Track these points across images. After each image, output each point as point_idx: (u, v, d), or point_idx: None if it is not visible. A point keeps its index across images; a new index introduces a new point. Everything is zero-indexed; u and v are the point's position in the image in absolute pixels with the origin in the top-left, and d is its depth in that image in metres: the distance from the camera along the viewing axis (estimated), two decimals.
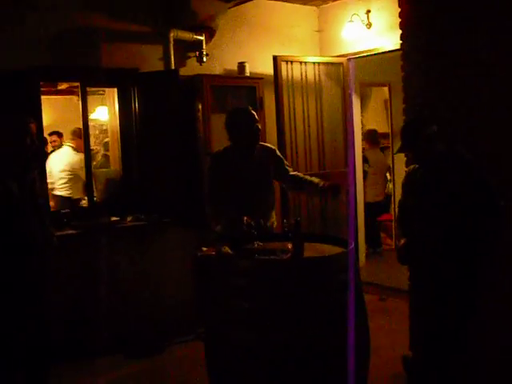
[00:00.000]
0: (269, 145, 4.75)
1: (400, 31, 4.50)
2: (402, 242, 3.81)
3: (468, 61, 4.03)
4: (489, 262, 3.62)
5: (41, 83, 5.40)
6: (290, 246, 3.47)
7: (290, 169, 4.65)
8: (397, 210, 4.12)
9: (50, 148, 7.62)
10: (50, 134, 7.66)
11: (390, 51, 6.26)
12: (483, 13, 3.97)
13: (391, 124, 8.57)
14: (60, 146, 7.67)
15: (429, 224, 3.60)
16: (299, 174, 4.69)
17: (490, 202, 3.46)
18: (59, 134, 7.80)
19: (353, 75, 7.00)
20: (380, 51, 6.50)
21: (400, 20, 4.50)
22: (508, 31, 3.87)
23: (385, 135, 9.09)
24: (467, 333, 3.59)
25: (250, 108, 4.46)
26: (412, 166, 3.90)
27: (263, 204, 4.41)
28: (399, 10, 4.50)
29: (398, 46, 4.68)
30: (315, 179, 4.46)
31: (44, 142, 6.39)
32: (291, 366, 3.05)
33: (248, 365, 3.11)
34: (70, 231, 5.13)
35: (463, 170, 3.54)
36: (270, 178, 4.51)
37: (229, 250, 3.49)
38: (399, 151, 3.86)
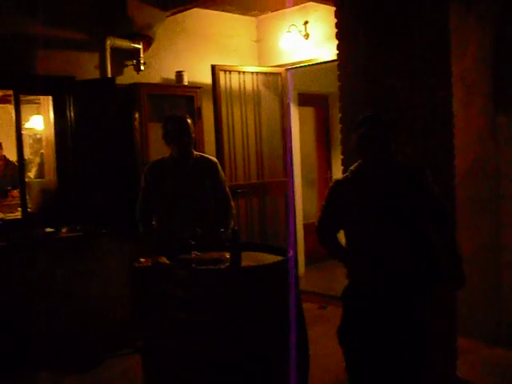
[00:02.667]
0: (212, 158, 4.67)
1: (337, 42, 4.56)
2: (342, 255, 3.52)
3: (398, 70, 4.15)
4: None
5: None
6: (227, 255, 3.44)
7: (223, 194, 4.53)
8: (317, 230, 3.66)
9: None
10: None
11: (327, 61, 6.35)
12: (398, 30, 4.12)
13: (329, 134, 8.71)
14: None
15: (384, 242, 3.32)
16: (227, 211, 4.53)
17: (443, 214, 3.37)
18: None
19: (291, 85, 7.05)
20: (318, 61, 6.59)
21: (336, 30, 4.55)
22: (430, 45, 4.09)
23: None
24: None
25: (186, 116, 4.43)
26: (340, 179, 3.55)
27: (198, 213, 4.37)
28: (336, 20, 4.56)
29: (335, 57, 4.73)
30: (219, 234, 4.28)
31: None
32: (229, 376, 3.01)
33: (185, 376, 3.06)
34: (3, 243, 4.98)
35: (415, 182, 3.35)
36: (205, 189, 4.44)
37: (166, 260, 3.45)
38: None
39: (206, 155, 4.72)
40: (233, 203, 4.63)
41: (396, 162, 3.44)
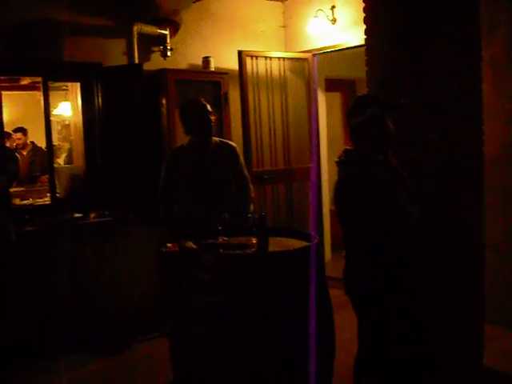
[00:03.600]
0: (231, 142, 4.71)
1: (364, 26, 4.52)
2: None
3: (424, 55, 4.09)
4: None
5: (0, 78, 5.29)
6: (254, 240, 3.46)
7: (243, 177, 4.58)
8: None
9: (14, 145, 7.49)
10: (15, 131, 7.52)
11: (354, 47, 6.29)
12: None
13: None
14: (25, 145, 7.55)
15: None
16: (246, 190, 4.59)
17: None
18: (24, 132, 7.65)
19: (317, 71, 7.02)
20: (345, 47, 6.52)
21: (364, 15, 4.51)
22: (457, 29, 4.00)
23: None
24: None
25: (202, 99, 4.43)
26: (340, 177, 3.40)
27: (222, 198, 4.39)
28: (363, 5, 4.51)
29: (362, 42, 4.69)
30: (246, 219, 4.39)
31: (5, 136, 6.30)
32: (256, 360, 3.03)
33: (213, 360, 3.09)
34: (32, 228, 5.05)
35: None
36: (227, 173, 4.46)
37: (193, 245, 3.47)
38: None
39: (225, 140, 4.73)
40: (252, 187, 4.65)
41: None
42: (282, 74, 6.77)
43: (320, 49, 6.81)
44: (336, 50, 6.70)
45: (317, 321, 3.21)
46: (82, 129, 5.77)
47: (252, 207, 4.56)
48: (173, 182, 4.38)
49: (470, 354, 4.30)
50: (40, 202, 5.77)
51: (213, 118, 4.39)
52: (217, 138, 4.54)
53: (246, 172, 4.62)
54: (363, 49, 4.54)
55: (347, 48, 6.50)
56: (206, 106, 4.34)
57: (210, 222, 3.88)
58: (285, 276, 3.13)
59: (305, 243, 3.45)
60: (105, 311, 5.36)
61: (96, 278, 5.39)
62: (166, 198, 4.43)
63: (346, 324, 4.20)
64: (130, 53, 5.76)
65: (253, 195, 4.66)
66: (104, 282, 5.43)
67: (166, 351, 3.49)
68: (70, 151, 7.32)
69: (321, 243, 3.33)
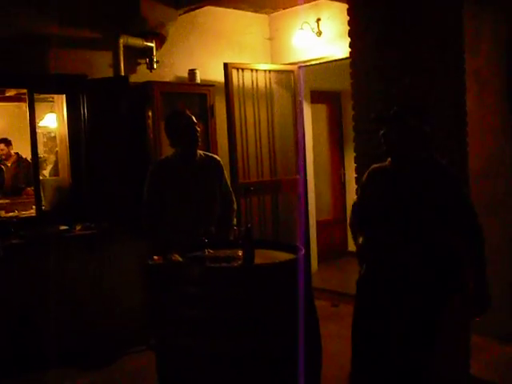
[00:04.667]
0: (215, 156, 4.72)
1: (349, 39, 4.56)
2: (361, 240, 3.48)
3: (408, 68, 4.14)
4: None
5: None
6: (240, 253, 3.46)
7: (227, 190, 4.59)
8: (350, 212, 3.72)
9: None
10: None
11: (340, 59, 6.33)
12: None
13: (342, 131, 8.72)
14: (9, 155, 7.51)
15: (400, 232, 3.26)
16: (230, 203, 4.61)
17: (470, 222, 3.23)
18: (7, 143, 7.62)
19: (303, 83, 7.05)
20: (330, 59, 6.57)
21: (349, 28, 4.55)
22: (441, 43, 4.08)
23: None
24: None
25: (187, 111, 4.43)
26: (376, 166, 3.50)
27: (209, 211, 4.39)
28: (348, 18, 4.56)
29: (347, 54, 4.73)
30: (230, 231, 4.40)
31: None
32: (242, 373, 3.03)
33: (199, 373, 3.08)
34: (17, 241, 5.02)
35: (447, 183, 3.22)
36: (213, 186, 4.46)
37: (179, 258, 3.46)
38: (388, 119, 3.31)
39: (209, 153, 4.73)
40: (235, 199, 4.68)
41: (428, 157, 3.31)
42: (268, 85, 6.80)
43: (306, 61, 6.86)
44: (321, 63, 6.74)
45: (304, 333, 3.21)
46: (67, 141, 5.75)
47: (235, 220, 4.58)
48: (157, 194, 4.36)
49: (457, 364, 4.32)
50: (25, 214, 5.73)
51: (199, 129, 4.39)
52: (201, 152, 4.53)
53: (229, 184, 4.64)
54: (348, 61, 4.58)
55: (333, 60, 6.54)
56: (191, 118, 4.34)
57: (196, 235, 3.86)
58: (271, 289, 3.13)
59: (291, 255, 3.45)
60: (91, 325, 5.32)
61: (82, 291, 5.36)
62: (151, 211, 4.39)
63: (332, 335, 4.22)
64: (116, 65, 5.76)
65: (235, 208, 4.67)
66: (90, 295, 5.39)
67: (153, 364, 3.48)
68: (55, 163, 7.30)
69: (307, 254, 3.33)
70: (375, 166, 3.52)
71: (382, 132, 3.29)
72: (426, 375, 3.32)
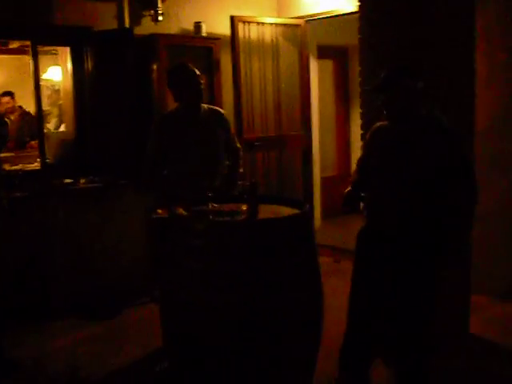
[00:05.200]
0: (217, 108, 4.69)
1: None
2: (348, 189, 3.57)
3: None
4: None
5: None
6: (244, 207, 3.46)
7: (234, 144, 4.60)
8: (353, 169, 3.78)
9: (2, 109, 7.41)
10: (2, 95, 7.43)
11: (348, 13, 6.24)
12: None
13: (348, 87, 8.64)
14: (14, 109, 7.46)
15: (394, 190, 3.28)
16: (237, 158, 4.63)
17: (468, 180, 3.21)
18: (12, 96, 7.56)
19: (310, 37, 6.96)
20: (339, 13, 6.47)
21: None
22: None
23: None
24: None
25: (190, 64, 4.38)
26: (379, 124, 3.51)
27: (214, 164, 4.38)
28: None
29: (356, 8, 4.65)
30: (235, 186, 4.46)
31: None
32: (246, 326, 3.06)
33: (202, 326, 3.11)
34: (21, 193, 5.03)
35: (444, 140, 3.20)
36: (218, 139, 4.43)
37: (183, 212, 3.47)
38: (381, 87, 3.30)
39: (214, 107, 4.70)
40: (241, 153, 4.68)
41: (428, 115, 3.31)
42: (275, 40, 6.71)
43: (313, 15, 6.75)
44: (329, 17, 6.64)
45: (306, 288, 3.24)
46: (72, 94, 5.73)
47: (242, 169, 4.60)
48: (162, 147, 4.35)
49: (456, 322, 4.36)
50: (30, 167, 5.74)
51: (202, 81, 4.36)
52: (205, 105, 4.50)
53: (236, 138, 4.63)
54: (357, 16, 4.51)
55: (341, 14, 6.44)
56: (193, 70, 4.29)
57: (200, 189, 3.87)
58: (275, 243, 3.14)
59: (295, 210, 3.45)
60: (96, 277, 5.37)
61: (86, 244, 5.39)
62: (154, 164, 4.39)
63: (335, 291, 4.25)
64: (120, 17, 5.68)
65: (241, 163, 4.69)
66: (95, 247, 5.43)
67: (157, 317, 3.52)
68: (59, 116, 7.27)
69: (311, 210, 3.36)
70: (378, 124, 3.53)
71: (382, 102, 3.28)
72: (424, 332, 3.36)
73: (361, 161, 3.69)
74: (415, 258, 3.25)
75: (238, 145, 4.65)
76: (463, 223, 3.26)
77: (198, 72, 4.31)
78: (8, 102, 7.46)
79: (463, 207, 3.22)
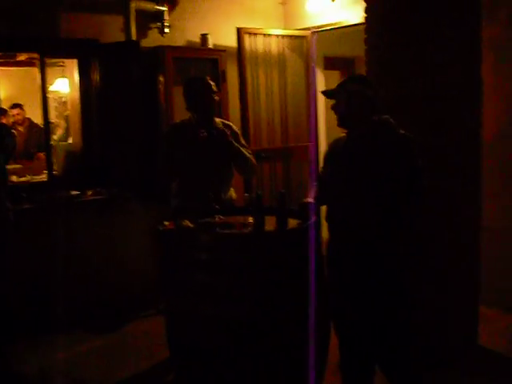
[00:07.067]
0: (228, 122, 4.71)
1: (364, 4, 4.47)
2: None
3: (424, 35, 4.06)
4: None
5: None
6: (251, 219, 3.45)
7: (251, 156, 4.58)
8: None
9: (10, 121, 7.43)
10: (12, 107, 7.47)
11: (354, 24, 6.23)
12: None
13: None
14: (23, 120, 7.49)
15: (350, 201, 3.27)
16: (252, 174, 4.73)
17: (417, 181, 3.20)
18: (21, 107, 7.59)
19: (316, 49, 6.97)
20: (344, 24, 6.47)
21: None
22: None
23: None
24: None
25: (208, 78, 4.42)
26: (336, 138, 3.54)
27: (221, 177, 4.37)
28: None
29: (362, 20, 4.65)
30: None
31: (2, 112, 6.28)
32: (252, 339, 3.04)
33: (208, 338, 3.10)
34: (28, 205, 5.04)
35: (395, 144, 3.19)
36: (227, 153, 4.42)
37: (189, 224, 3.46)
38: (328, 92, 3.44)
39: (225, 120, 4.71)
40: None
41: (382, 122, 3.30)
42: (281, 51, 6.72)
43: (319, 26, 6.76)
44: (335, 28, 6.64)
45: (314, 300, 3.22)
46: (79, 106, 5.74)
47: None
48: (171, 159, 4.34)
49: (465, 334, 4.33)
50: (37, 179, 5.75)
51: (216, 98, 4.38)
52: (218, 119, 4.52)
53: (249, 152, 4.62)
54: (363, 27, 4.50)
55: (347, 26, 6.44)
56: (210, 84, 4.33)
57: (207, 201, 3.86)
58: (281, 255, 3.13)
59: (302, 222, 3.44)
60: (101, 289, 5.37)
61: (93, 256, 5.39)
62: (171, 173, 4.41)
63: None
64: (127, 29, 5.70)
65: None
66: (101, 260, 5.43)
67: (163, 329, 3.50)
68: (66, 128, 7.29)
69: (318, 222, 3.34)
70: (336, 138, 3.54)
71: (331, 105, 3.33)
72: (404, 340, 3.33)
73: (320, 175, 3.65)
74: (383, 269, 3.23)
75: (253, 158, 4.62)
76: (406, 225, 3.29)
77: (214, 87, 4.34)
78: (18, 114, 7.49)
79: (411, 208, 3.25)
